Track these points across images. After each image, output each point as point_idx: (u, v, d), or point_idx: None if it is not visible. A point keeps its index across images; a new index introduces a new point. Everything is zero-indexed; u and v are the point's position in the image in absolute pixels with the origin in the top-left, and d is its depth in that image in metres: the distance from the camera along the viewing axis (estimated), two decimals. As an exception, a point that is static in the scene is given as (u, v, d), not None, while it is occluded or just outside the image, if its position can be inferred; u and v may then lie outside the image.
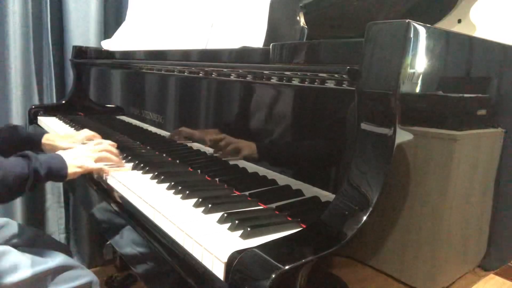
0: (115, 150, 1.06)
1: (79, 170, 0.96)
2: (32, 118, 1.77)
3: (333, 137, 0.74)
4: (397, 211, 0.64)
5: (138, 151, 1.22)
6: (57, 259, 1.04)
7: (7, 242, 1.12)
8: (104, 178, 1.02)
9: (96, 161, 1.01)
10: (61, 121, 1.71)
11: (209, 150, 1.04)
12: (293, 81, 0.80)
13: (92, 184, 1.08)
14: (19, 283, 0.96)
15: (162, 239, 0.73)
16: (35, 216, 1.90)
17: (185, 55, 1.12)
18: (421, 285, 0.72)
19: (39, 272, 0.99)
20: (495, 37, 0.81)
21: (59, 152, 0.99)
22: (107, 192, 0.99)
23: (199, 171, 1.01)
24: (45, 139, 1.21)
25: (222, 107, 1.02)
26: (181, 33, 1.29)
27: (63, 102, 1.85)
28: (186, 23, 1.29)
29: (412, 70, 0.61)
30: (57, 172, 0.93)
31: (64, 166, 0.94)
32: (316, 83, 0.75)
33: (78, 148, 1.07)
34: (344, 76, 0.66)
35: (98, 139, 1.24)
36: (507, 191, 0.88)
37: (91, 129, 1.34)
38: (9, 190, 0.87)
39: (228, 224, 0.70)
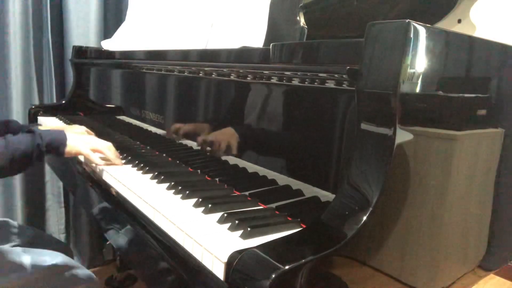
0: (112, 155, 1.08)
1: (73, 151, 1.02)
2: (32, 118, 1.77)
3: (333, 137, 0.74)
4: (397, 211, 0.64)
5: (138, 151, 1.22)
6: (57, 258, 1.05)
7: (7, 242, 1.13)
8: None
9: (92, 149, 1.04)
10: (61, 121, 1.71)
11: (208, 150, 1.04)
12: (293, 81, 0.80)
13: (92, 184, 1.08)
14: (19, 283, 0.96)
15: (162, 239, 0.73)
16: (35, 216, 1.90)
17: (185, 55, 1.12)
18: (421, 285, 0.72)
19: (39, 272, 0.99)
20: (495, 37, 0.81)
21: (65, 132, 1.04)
22: (107, 192, 0.99)
23: (199, 171, 1.01)
24: None
25: (222, 108, 1.02)
26: (181, 33, 1.29)
27: (63, 102, 1.85)
28: (186, 23, 1.29)
29: (412, 70, 0.61)
30: (56, 146, 0.98)
31: (63, 143, 0.99)
32: (316, 83, 0.75)
33: (82, 135, 1.13)
34: (344, 76, 0.66)
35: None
36: (507, 191, 0.88)
37: (91, 129, 1.34)
38: (16, 164, 0.92)
39: (228, 224, 0.70)
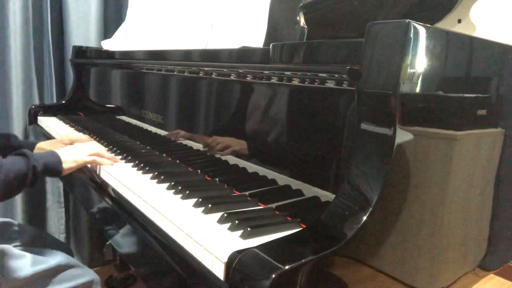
0: (107, 154, 1.10)
1: (74, 164, 1.01)
2: (32, 118, 1.77)
3: (333, 137, 0.74)
4: (397, 211, 0.64)
5: (138, 151, 1.22)
6: (58, 258, 1.05)
7: (7, 241, 1.12)
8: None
9: (89, 155, 1.05)
10: (61, 121, 1.71)
11: (209, 150, 1.04)
12: (293, 81, 0.80)
13: (92, 184, 1.08)
14: (20, 282, 0.96)
15: (162, 239, 0.73)
16: (36, 216, 1.90)
17: (185, 55, 1.12)
18: (421, 285, 0.72)
19: (40, 271, 0.99)
20: (495, 37, 0.81)
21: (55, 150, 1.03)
22: (107, 192, 0.99)
23: (199, 171, 1.01)
24: (37, 149, 1.22)
25: (222, 107, 1.02)
26: (181, 33, 1.29)
27: (63, 102, 1.85)
28: (186, 23, 1.29)
29: (412, 70, 0.61)
30: (53, 167, 0.97)
31: (59, 161, 0.98)
32: (316, 83, 0.75)
33: (72, 146, 1.13)
34: (344, 76, 0.66)
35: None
36: (507, 191, 0.88)
37: (91, 129, 1.35)
38: (11, 187, 0.90)
39: (228, 224, 0.70)
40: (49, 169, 0.96)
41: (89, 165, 1.11)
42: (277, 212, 0.76)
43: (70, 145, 1.18)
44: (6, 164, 0.89)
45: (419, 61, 0.62)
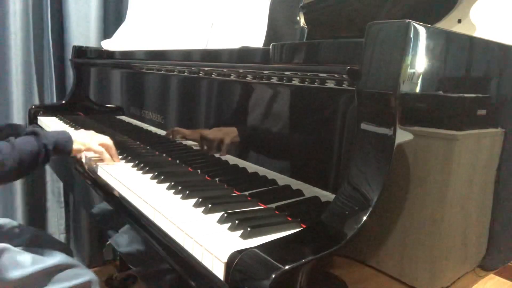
0: (114, 151, 1.10)
1: (82, 147, 1.04)
2: (32, 118, 1.77)
3: (333, 137, 0.74)
4: (397, 211, 0.64)
5: (138, 151, 1.22)
6: (57, 257, 1.05)
7: (7, 241, 1.12)
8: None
9: (100, 145, 1.07)
10: (61, 121, 1.71)
11: (209, 150, 1.04)
12: (293, 81, 0.80)
13: (92, 184, 1.08)
14: (19, 281, 0.96)
15: (162, 239, 0.74)
16: (36, 216, 1.90)
17: (185, 55, 1.12)
18: (421, 285, 0.72)
19: (39, 270, 0.99)
20: (495, 37, 0.81)
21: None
22: (107, 192, 0.99)
23: (199, 171, 1.01)
24: None
25: (222, 107, 1.02)
26: (181, 33, 1.29)
27: (63, 102, 1.85)
28: (186, 23, 1.29)
29: (412, 70, 0.61)
30: (63, 145, 0.99)
31: (70, 139, 1.01)
32: (316, 83, 0.75)
33: (84, 131, 1.14)
34: (344, 76, 0.66)
35: None
36: (507, 191, 0.88)
37: (90, 129, 1.35)
38: (24, 166, 0.92)
39: (228, 224, 0.70)
40: (59, 147, 0.98)
41: (87, 165, 1.11)
42: (277, 212, 0.76)
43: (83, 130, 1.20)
44: (19, 144, 0.91)
45: (419, 61, 0.62)
